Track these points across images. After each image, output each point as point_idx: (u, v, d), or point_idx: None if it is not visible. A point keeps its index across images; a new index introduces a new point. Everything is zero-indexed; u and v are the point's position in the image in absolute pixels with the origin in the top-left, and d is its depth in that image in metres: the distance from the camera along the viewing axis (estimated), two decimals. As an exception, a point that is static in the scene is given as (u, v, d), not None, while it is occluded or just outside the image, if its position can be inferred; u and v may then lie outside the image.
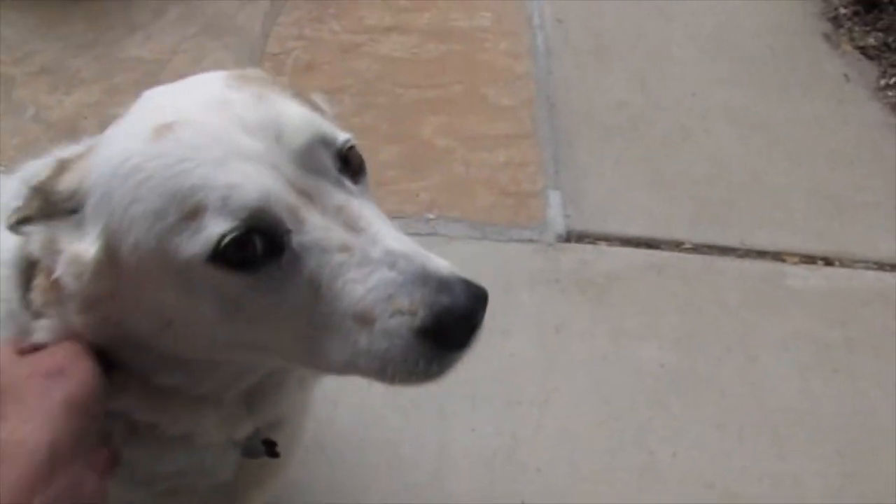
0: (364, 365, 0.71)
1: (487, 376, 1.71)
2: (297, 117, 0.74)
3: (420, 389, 0.75)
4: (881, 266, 2.04)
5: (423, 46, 2.63)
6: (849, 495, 1.59)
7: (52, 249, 0.74)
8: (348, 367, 0.73)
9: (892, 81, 2.65)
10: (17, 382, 0.69)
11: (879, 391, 1.76)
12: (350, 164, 0.78)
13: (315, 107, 0.82)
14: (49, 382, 0.70)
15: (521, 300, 1.88)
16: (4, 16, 2.53)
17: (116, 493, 0.80)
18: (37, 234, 0.75)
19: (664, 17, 2.84)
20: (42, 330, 0.77)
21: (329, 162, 0.75)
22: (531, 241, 2.02)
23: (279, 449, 0.97)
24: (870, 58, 2.77)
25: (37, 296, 0.77)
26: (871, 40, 2.84)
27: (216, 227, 0.67)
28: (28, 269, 0.78)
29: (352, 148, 0.79)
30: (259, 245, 0.69)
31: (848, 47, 2.81)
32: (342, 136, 0.78)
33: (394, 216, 2.09)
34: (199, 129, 0.70)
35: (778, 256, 2.04)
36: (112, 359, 0.78)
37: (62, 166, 0.77)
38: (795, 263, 2.03)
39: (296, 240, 0.70)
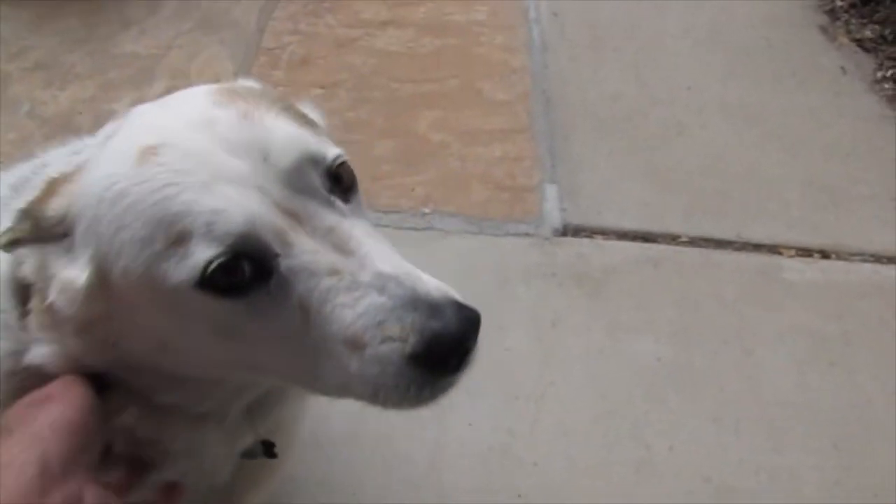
0: (357, 389, 0.70)
1: (483, 371, 1.68)
2: (284, 136, 0.73)
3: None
4: (878, 259, 2.04)
5: (418, 41, 2.62)
6: (845, 488, 1.59)
7: (45, 274, 0.74)
8: (342, 391, 0.72)
9: (888, 74, 2.64)
10: (7, 418, 0.70)
11: (876, 384, 1.76)
12: (341, 182, 0.76)
13: (305, 120, 0.80)
14: (35, 409, 0.70)
15: (518, 294, 1.88)
16: (-1, 11, 2.53)
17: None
18: (29, 257, 0.74)
19: (659, 10, 2.84)
20: (40, 355, 0.77)
21: (318, 181, 0.73)
22: (527, 235, 2.01)
23: (277, 449, 0.97)
24: (866, 50, 2.77)
25: (33, 318, 0.76)
26: (867, 33, 2.83)
27: (202, 254, 0.66)
28: (23, 287, 0.78)
29: (342, 164, 0.77)
30: (247, 270, 0.68)
31: (844, 40, 2.81)
32: (332, 153, 0.76)
33: (389, 211, 2.11)
34: (184, 151, 0.69)
35: (774, 249, 2.04)
36: (111, 379, 0.78)
37: (51, 188, 0.76)
38: (792, 256, 2.03)
39: (284, 264, 0.69)
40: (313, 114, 0.89)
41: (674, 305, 1.88)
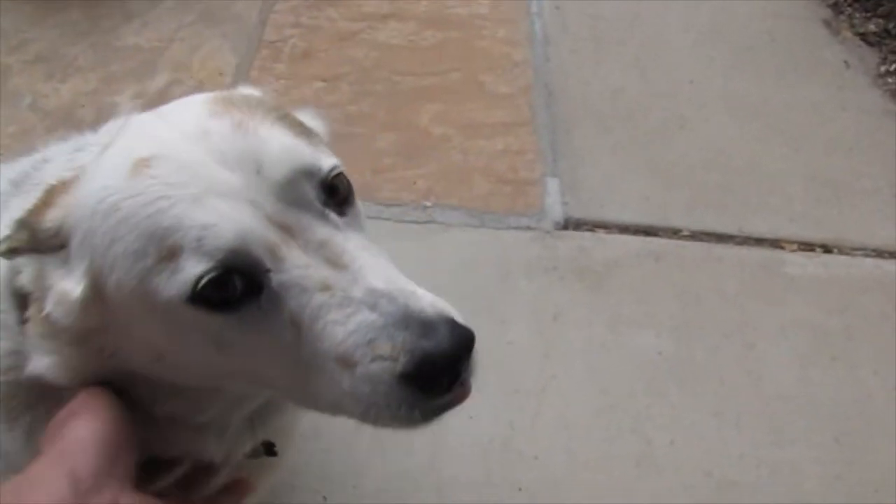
0: (349, 407, 0.70)
1: (485, 364, 1.70)
2: (278, 148, 0.72)
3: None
4: (880, 253, 2.04)
5: (420, 34, 2.61)
6: (846, 483, 1.59)
7: (42, 284, 0.74)
8: (335, 408, 0.72)
9: (892, 68, 2.63)
10: (39, 442, 0.71)
11: (878, 379, 1.76)
12: (337, 193, 0.76)
13: (302, 129, 0.79)
14: (61, 428, 0.70)
15: (519, 288, 1.88)
16: (0, 4, 2.52)
17: None
18: (27, 266, 0.74)
19: (661, 4, 2.83)
20: (41, 367, 0.76)
21: (312, 194, 0.72)
22: (529, 228, 2.01)
23: (277, 448, 0.97)
24: (870, 44, 2.76)
25: (31, 326, 0.76)
26: (871, 27, 2.82)
27: (192, 269, 0.66)
28: (22, 294, 0.78)
29: (338, 175, 0.76)
30: (239, 284, 0.67)
31: (848, 34, 2.80)
32: (327, 165, 0.75)
33: (391, 204, 2.11)
34: (176, 164, 0.69)
35: (776, 244, 2.04)
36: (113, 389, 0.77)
37: (48, 198, 0.76)
38: (794, 251, 2.03)
39: (275, 279, 0.68)
40: (312, 121, 0.89)
41: (675, 299, 1.88)
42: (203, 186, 0.67)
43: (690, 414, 1.67)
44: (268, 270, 0.68)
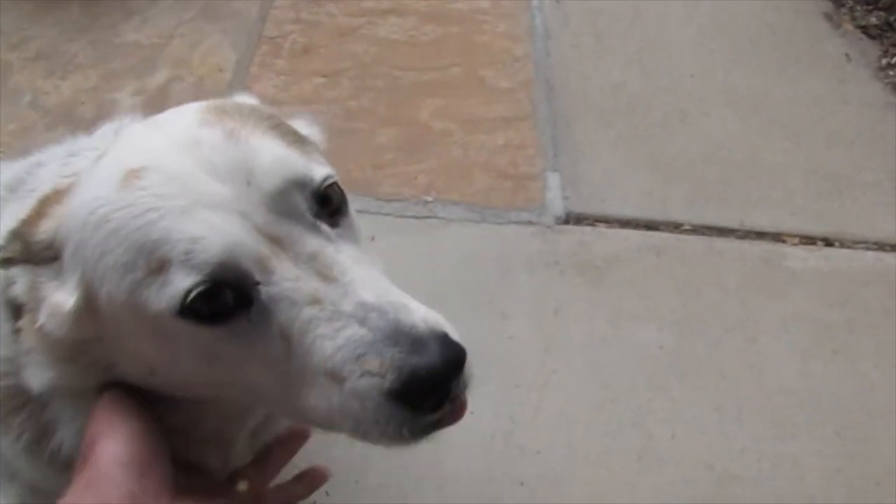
0: (339, 422, 0.69)
1: (486, 359, 1.71)
2: (270, 158, 0.71)
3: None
4: (881, 247, 2.04)
5: (420, 29, 2.61)
6: (848, 476, 1.59)
7: (35, 296, 0.74)
8: (326, 423, 0.71)
9: (893, 61, 2.63)
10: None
11: (879, 372, 1.76)
12: (329, 203, 0.75)
13: (295, 138, 0.78)
14: (88, 453, 0.70)
15: (520, 282, 1.88)
16: (0, 2, 2.52)
17: None
18: (20, 277, 0.74)
19: (663, -2, 2.83)
20: (37, 384, 0.77)
21: (303, 205, 0.72)
22: (530, 223, 2.01)
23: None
24: (871, 37, 2.75)
25: (25, 337, 0.76)
26: (872, 19, 2.82)
27: (181, 283, 0.65)
28: (16, 305, 0.78)
29: (332, 185, 0.75)
30: (229, 297, 0.67)
31: (849, 27, 2.79)
32: (320, 175, 0.74)
33: (391, 199, 2.11)
34: (166, 175, 0.68)
35: (777, 237, 2.04)
36: None
37: (41, 209, 0.76)
38: (795, 244, 2.02)
39: (265, 292, 0.67)
40: (307, 129, 0.88)
41: (676, 293, 1.88)
42: (192, 198, 0.67)
43: (692, 408, 1.67)
44: (257, 283, 0.67)
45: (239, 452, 0.89)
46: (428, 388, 0.66)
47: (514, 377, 1.69)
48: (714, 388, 1.71)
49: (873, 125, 2.39)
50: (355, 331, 0.66)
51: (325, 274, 0.69)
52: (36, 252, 0.73)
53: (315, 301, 0.67)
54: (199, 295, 0.65)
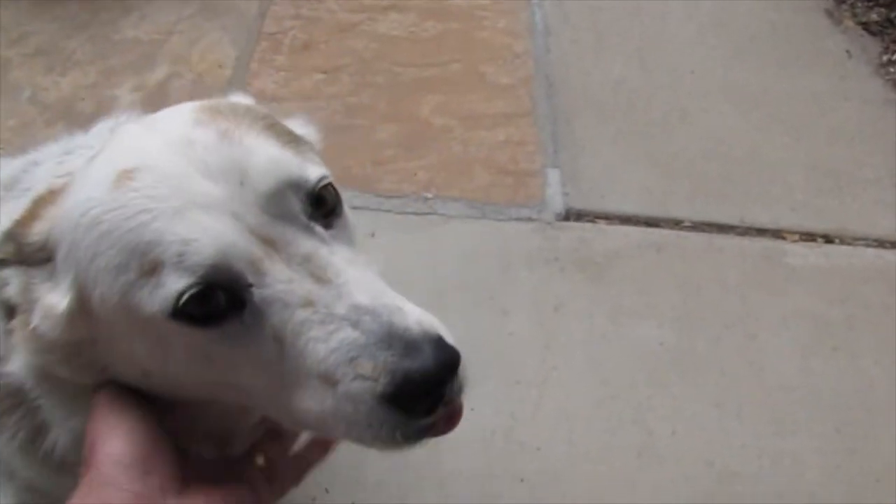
0: (332, 425, 0.68)
1: (486, 355, 1.71)
2: (264, 159, 0.70)
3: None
4: (881, 243, 2.04)
5: (421, 25, 2.61)
6: (848, 472, 1.59)
7: (29, 297, 0.73)
8: (320, 426, 0.70)
9: (894, 58, 2.63)
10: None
11: (879, 369, 1.76)
12: (324, 204, 0.74)
13: (290, 138, 0.78)
14: (90, 455, 0.69)
15: (520, 279, 1.88)
16: (-1, -2, 2.52)
17: None
18: (14, 278, 0.74)
19: (663, -6, 2.82)
20: (19, 372, 0.77)
21: (298, 207, 0.71)
22: (530, 219, 2.01)
23: None
24: (872, 34, 2.75)
25: (16, 337, 0.76)
26: (873, 16, 2.81)
27: (174, 285, 0.65)
28: (9, 306, 0.77)
29: (326, 186, 0.74)
30: (222, 299, 0.66)
31: (850, 23, 2.78)
32: (314, 175, 0.73)
33: (392, 196, 2.11)
34: (159, 176, 0.68)
35: (778, 234, 2.04)
36: None
37: (35, 210, 0.76)
38: (795, 241, 2.02)
39: (257, 294, 0.67)
40: (303, 129, 0.87)
41: (676, 290, 1.88)
42: (185, 199, 0.66)
43: (692, 404, 1.67)
44: (250, 285, 0.67)
45: (240, 447, 0.88)
46: (421, 392, 0.65)
47: (515, 374, 1.69)
48: (714, 385, 1.71)
49: (874, 122, 2.38)
50: (348, 333, 0.66)
51: (319, 276, 0.68)
52: (29, 253, 0.73)
53: (308, 303, 0.67)
54: (191, 297, 0.65)
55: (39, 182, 0.86)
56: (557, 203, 2.05)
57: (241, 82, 2.31)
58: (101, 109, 2.09)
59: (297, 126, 0.86)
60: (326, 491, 1.49)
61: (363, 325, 0.66)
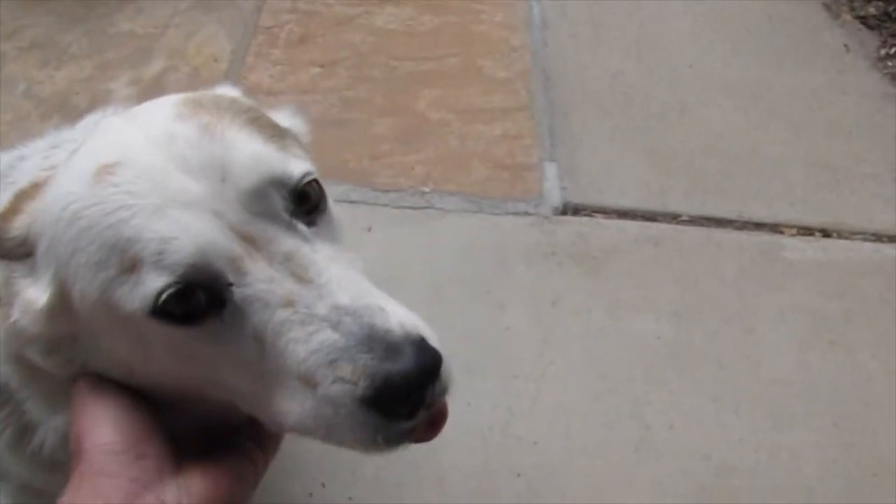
0: (312, 427, 0.68)
1: (483, 350, 1.70)
2: (245, 155, 0.69)
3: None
4: (879, 238, 2.03)
5: (417, 19, 2.60)
6: (845, 466, 1.59)
7: (10, 290, 0.72)
8: (301, 427, 0.69)
9: (892, 51, 2.62)
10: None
11: (876, 363, 1.76)
12: (307, 200, 0.73)
13: (275, 132, 0.76)
14: (77, 448, 0.69)
15: (518, 273, 1.87)
16: (-6, -9, 2.51)
17: None
18: None
19: (661, -13, 2.81)
20: (3, 368, 0.76)
21: (280, 204, 0.70)
22: (527, 213, 2.00)
23: None
24: (870, 27, 2.74)
25: None
26: (871, 10, 2.81)
27: (153, 283, 0.64)
28: None
29: (310, 182, 0.73)
30: (202, 298, 0.66)
31: (848, 17, 2.78)
32: (298, 171, 0.72)
33: (388, 190, 2.10)
34: (139, 171, 0.67)
35: (775, 228, 2.03)
36: None
37: (15, 204, 0.75)
38: (793, 235, 2.02)
39: (238, 293, 0.66)
40: (290, 121, 0.87)
41: (674, 284, 1.88)
42: (165, 196, 0.66)
43: (689, 399, 1.67)
44: (230, 284, 0.66)
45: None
46: (401, 395, 0.65)
47: (512, 368, 1.69)
48: (712, 379, 1.70)
49: (872, 116, 2.38)
50: (328, 335, 0.65)
51: (301, 275, 0.67)
52: (10, 248, 0.72)
53: (289, 303, 0.66)
54: (170, 296, 0.64)
55: (25, 176, 0.85)
56: (555, 197, 2.05)
57: (237, 76, 2.30)
58: (97, 103, 2.07)
59: (284, 118, 0.86)
60: (323, 486, 1.49)
61: (343, 327, 0.65)
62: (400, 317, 0.68)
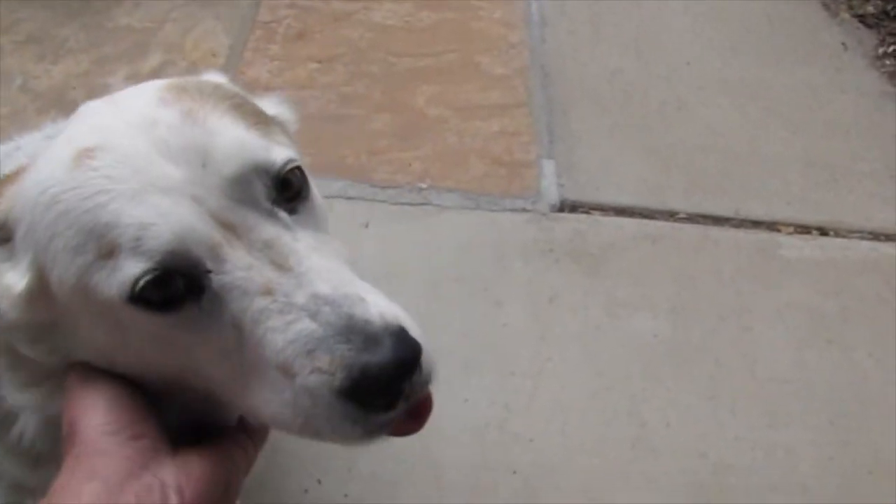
0: (289, 418, 0.66)
1: (480, 346, 1.70)
2: (227, 141, 0.68)
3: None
4: (876, 236, 2.04)
5: (416, 14, 2.59)
6: (841, 464, 1.59)
7: None
8: (279, 420, 0.68)
9: (890, 50, 2.62)
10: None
11: (873, 361, 1.76)
12: (289, 187, 0.72)
13: (258, 118, 0.75)
14: (71, 434, 0.68)
15: (515, 270, 1.87)
16: (-10, -16, 2.50)
17: None
18: None
19: (660, -15, 2.81)
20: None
21: (262, 191, 0.69)
22: (525, 210, 2.00)
23: None
24: (868, 26, 2.74)
25: None
26: (869, 8, 2.81)
27: (130, 269, 0.63)
28: None
29: (293, 169, 0.72)
30: (180, 285, 0.65)
31: (846, 15, 2.78)
32: (280, 159, 0.71)
33: (386, 186, 2.10)
34: (118, 156, 0.66)
35: (773, 226, 2.03)
36: None
37: None
38: (790, 233, 2.02)
39: (216, 280, 0.65)
40: (277, 109, 0.86)
41: (671, 282, 1.88)
42: (144, 181, 0.65)
43: (686, 396, 1.67)
44: (208, 271, 0.65)
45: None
46: (379, 387, 0.64)
47: (509, 365, 1.69)
48: (708, 377, 1.70)
49: (870, 114, 2.38)
50: (306, 325, 0.64)
51: (280, 263, 0.66)
52: None
53: (267, 291, 0.65)
54: (148, 282, 0.63)
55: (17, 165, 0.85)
56: (552, 194, 2.05)
57: (235, 71, 2.29)
58: (94, 98, 2.07)
59: (270, 106, 0.85)
60: (319, 482, 1.48)
61: (322, 317, 0.64)
62: (380, 307, 0.66)
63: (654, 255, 1.93)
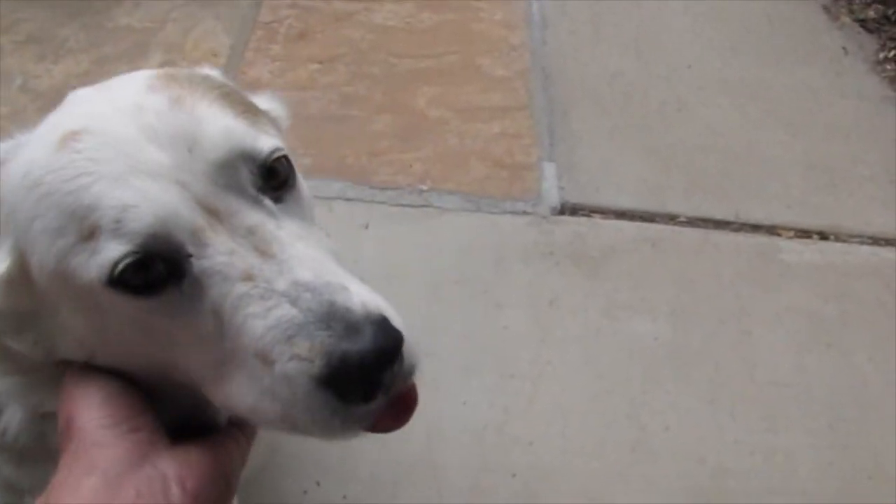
0: (268, 408, 0.65)
1: (480, 349, 1.70)
2: (214, 127, 0.68)
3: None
4: (876, 240, 2.04)
5: (417, 16, 2.59)
6: (840, 469, 1.59)
7: None
8: (255, 413, 0.67)
9: (891, 55, 2.62)
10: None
11: (873, 365, 1.76)
12: (276, 176, 0.72)
13: (246, 108, 0.75)
14: (66, 429, 0.68)
15: (515, 273, 1.87)
16: (-9, -17, 2.50)
17: None
18: None
19: (661, -13, 2.81)
20: None
21: (247, 178, 0.69)
22: (525, 213, 2.00)
23: None
24: (869, 30, 2.75)
25: None
26: (870, 13, 2.81)
27: (110, 252, 0.62)
28: None
29: (279, 158, 0.72)
30: (161, 268, 0.64)
31: (847, 19, 2.78)
32: (267, 147, 0.71)
33: (386, 187, 2.10)
34: (103, 139, 0.66)
35: (773, 230, 2.03)
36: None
37: None
38: (790, 237, 2.02)
39: (197, 265, 0.64)
40: (268, 105, 0.86)
41: (672, 285, 1.88)
42: (129, 164, 0.64)
43: (685, 400, 1.67)
44: (189, 256, 0.64)
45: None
46: (360, 375, 0.62)
47: (509, 367, 1.69)
48: (708, 381, 1.70)
49: (870, 119, 2.38)
50: (286, 311, 0.63)
51: (263, 250, 0.65)
52: None
53: (248, 277, 0.64)
54: (128, 265, 0.63)
55: None
56: (553, 197, 2.05)
57: (236, 71, 2.29)
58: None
59: (262, 101, 0.85)
60: (318, 484, 1.48)
61: (302, 303, 0.63)
62: (362, 296, 0.66)
63: (654, 259, 1.93)
